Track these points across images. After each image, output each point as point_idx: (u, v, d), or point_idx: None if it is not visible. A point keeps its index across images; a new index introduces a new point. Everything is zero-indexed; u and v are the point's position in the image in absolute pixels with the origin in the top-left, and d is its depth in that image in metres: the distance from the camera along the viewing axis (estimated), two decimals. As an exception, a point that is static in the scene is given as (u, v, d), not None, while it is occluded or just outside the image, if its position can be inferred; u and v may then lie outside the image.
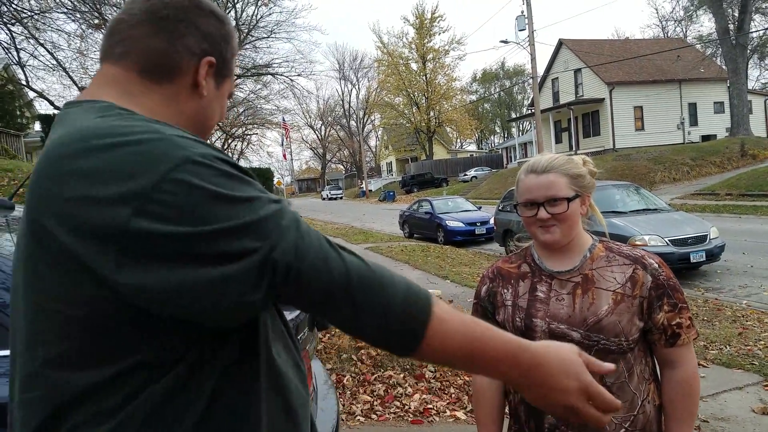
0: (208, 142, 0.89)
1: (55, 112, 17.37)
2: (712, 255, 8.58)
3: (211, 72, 0.95)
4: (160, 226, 0.68)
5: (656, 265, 1.39)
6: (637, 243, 8.22)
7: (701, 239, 8.58)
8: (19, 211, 2.24)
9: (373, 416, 3.72)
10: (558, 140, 34.78)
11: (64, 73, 19.00)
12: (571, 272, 1.41)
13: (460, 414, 3.71)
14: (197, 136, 0.80)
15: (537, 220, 1.41)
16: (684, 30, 44.07)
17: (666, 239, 8.36)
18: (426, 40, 49.38)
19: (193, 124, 0.94)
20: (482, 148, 72.95)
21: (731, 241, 10.68)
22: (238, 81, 26.90)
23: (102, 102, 0.84)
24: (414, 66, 50.28)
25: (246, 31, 24.49)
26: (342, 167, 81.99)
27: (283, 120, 32.75)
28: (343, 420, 3.61)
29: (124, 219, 0.67)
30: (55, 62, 18.53)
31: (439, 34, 52.07)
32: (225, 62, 0.98)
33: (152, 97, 0.88)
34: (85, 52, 19.65)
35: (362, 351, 4.41)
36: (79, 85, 20.25)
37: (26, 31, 16.48)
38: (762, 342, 5.19)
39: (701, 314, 6.26)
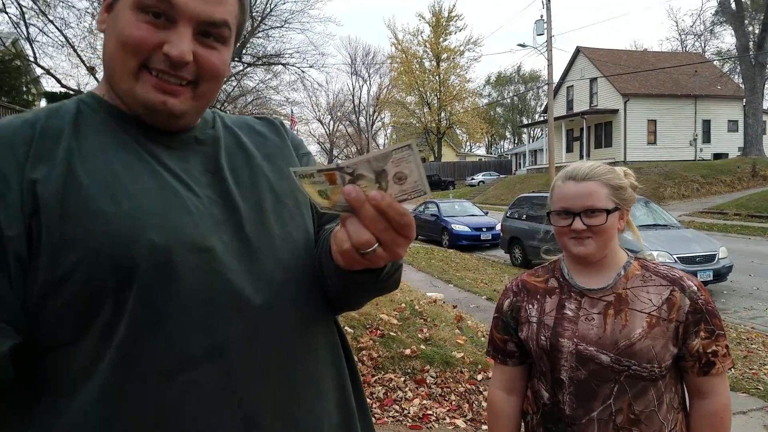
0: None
1: (62, 89, 17.24)
2: (720, 275, 8.50)
3: (107, 4, 0.84)
4: None
5: (695, 288, 1.30)
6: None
7: (710, 258, 8.50)
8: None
9: (372, 419, 3.68)
10: (569, 149, 34.58)
11: (72, 51, 18.99)
12: (603, 290, 1.33)
13: (459, 422, 3.67)
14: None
15: (571, 231, 1.33)
16: (703, 45, 43.78)
17: (674, 256, 8.28)
18: (441, 39, 49.16)
19: (108, 70, 0.84)
20: (491, 153, 72.76)
21: (738, 262, 10.57)
22: (248, 69, 26.86)
23: None
24: (427, 65, 50.11)
25: (259, 19, 24.39)
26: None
27: (291, 112, 32.73)
28: None
29: None
30: (63, 39, 18.51)
31: (455, 33, 51.81)
32: None
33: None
34: (95, 31, 19.64)
35: (363, 352, 4.37)
36: (87, 65, 20.21)
37: (36, 7, 16.43)
38: (767, 366, 5.14)
39: (706, 335, 6.21)
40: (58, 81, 18.72)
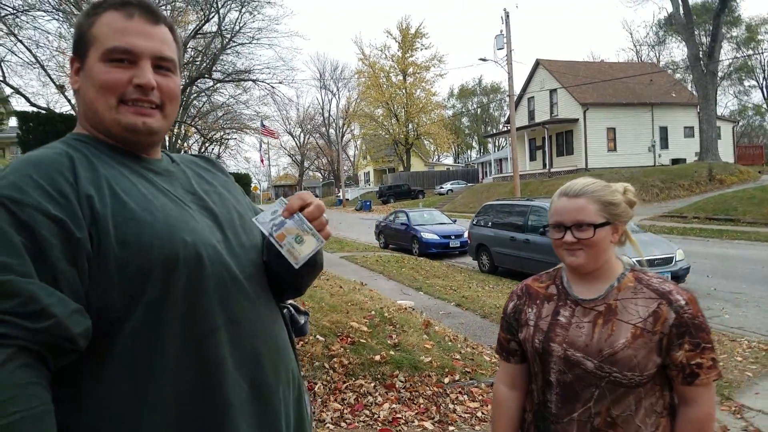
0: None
1: (33, 109, 17.04)
2: (678, 277, 8.83)
3: (77, 65, 1.10)
4: None
5: (683, 302, 1.35)
6: (606, 261, 8.44)
7: (667, 261, 8.84)
8: None
9: (343, 424, 3.74)
10: (532, 158, 35.30)
11: (42, 71, 18.72)
12: (595, 301, 1.41)
13: (427, 424, 3.76)
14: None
15: (563, 243, 1.42)
16: (657, 55, 45.42)
17: (633, 260, 8.57)
18: (408, 55, 49.84)
19: (91, 114, 1.08)
20: (459, 162, 73.63)
21: (697, 263, 10.95)
22: (218, 86, 26.77)
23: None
24: (394, 79, 50.65)
25: (228, 36, 24.38)
26: (320, 175, 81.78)
27: (262, 125, 32.56)
28: (313, 427, 3.63)
29: None
30: (33, 59, 18.24)
31: (421, 50, 52.51)
32: (81, 41, 1.08)
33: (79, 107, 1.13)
34: (65, 51, 19.38)
35: (334, 359, 4.44)
36: (57, 83, 19.91)
37: (5, 27, 16.18)
38: (720, 363, 5.35)
39: (665, 333, 6.44)
40: (28, 100, 18.40)
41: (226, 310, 1.04)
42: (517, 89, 33.13)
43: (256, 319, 1.11)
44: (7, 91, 19.07)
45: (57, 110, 20.29)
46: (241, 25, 24.23)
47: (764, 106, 50.70)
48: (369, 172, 64.80)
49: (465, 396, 4.19)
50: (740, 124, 49.59)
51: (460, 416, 3.90)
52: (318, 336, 4.75)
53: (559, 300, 1.47)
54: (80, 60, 1.08)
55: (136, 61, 1.04)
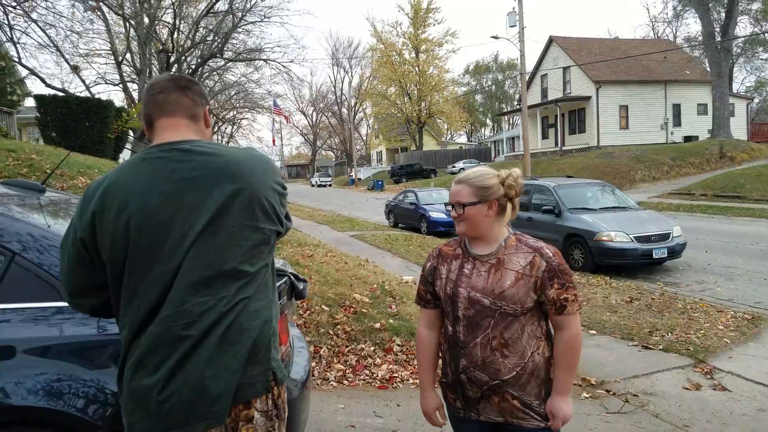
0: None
1: (51, 91, 17.50)
2: (674, 252, 9.14)
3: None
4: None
5: (551, 254, 1.82)
6: (603, 238, 8.77)
7: (664, 237, 9.14)
8: (51, 193, 2.66)
9: (345, 382, 4.22)
10: (544, 136, 35.32)
11: (56, 52, 19.15)
12: (489, 256, 1.86)
13: (421, 382, 4.22)
14: None
15: (452, 216, 1.92)
16: (674, 31, 44.77)
17: (631, 236, 8.92)
18: (420, 31, 49.55)
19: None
20: (472, 141, 73.43)
21: (699, 239, 11.21)
22: (230, 64, 27.08)
23: (205, 142, 1.64)
24: (407, 56, 50.45)
25: (240, 15, 24.60)
26: (332, 154, 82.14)
27: (275, 104, 32.80)
28: (318, 385, 4.10)
29: (282, 189, 1.64)
30: (48, 40, 18.65)
31: (434, 25, 52.01)
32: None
33: (198, 132, 1.66)
34: (78, 32, 19.75)
35: (338, 327, 4.90)
36: (71, 64, 20.39)
37: (20, 8, 16.60)
38: (702, 332, 5.70)
39: (654, 305, 6.77)
40: (43, 81, 18.86)
41: None
42: (530, 67, 33.03)
43: None
44: (23, 72, 19.48)
45: (71, 90, 20.82)
46: (252, 3, 24.40)
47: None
48: (381, 151, 64.96)
49: (455, 359, 4.63)
50: (756, 100, 48.69)
51: (450, 376, 4.35)
52: (324, 306, 5.21)
53: (464, 257, 1.92)
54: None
55: None
